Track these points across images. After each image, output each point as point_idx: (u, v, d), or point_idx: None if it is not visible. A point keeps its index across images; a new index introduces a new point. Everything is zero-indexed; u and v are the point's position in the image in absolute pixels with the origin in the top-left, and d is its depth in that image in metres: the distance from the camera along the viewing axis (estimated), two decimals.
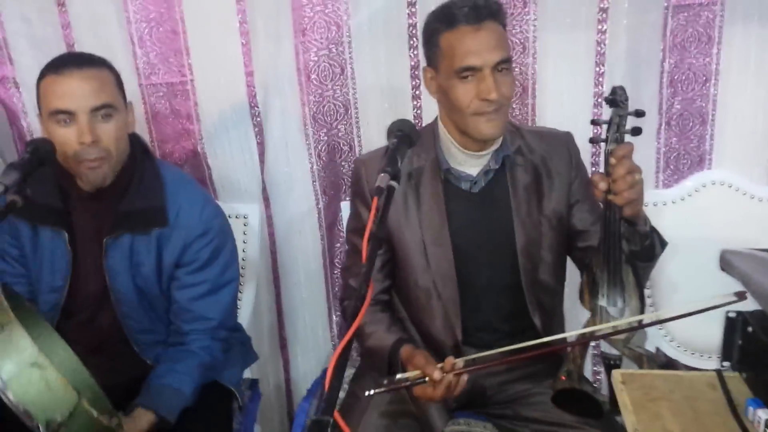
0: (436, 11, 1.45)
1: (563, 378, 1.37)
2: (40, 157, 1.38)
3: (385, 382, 1.36)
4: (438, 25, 1.43)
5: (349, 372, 1.79)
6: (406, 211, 1.56)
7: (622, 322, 1.30)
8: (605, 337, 1.33)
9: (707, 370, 1.20)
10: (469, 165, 1.53)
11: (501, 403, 1.61)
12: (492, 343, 1.58)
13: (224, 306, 1.69)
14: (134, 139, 1.64)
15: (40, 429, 1.20)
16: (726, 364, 1.12)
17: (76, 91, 1.47)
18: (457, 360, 1.35)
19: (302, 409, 1.78)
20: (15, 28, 1.87)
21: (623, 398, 1.09)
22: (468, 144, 1.50)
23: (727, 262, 1.25)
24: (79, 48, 1.84)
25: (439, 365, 1.34)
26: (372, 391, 1.32)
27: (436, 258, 1.56)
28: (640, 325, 1.29)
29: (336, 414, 0.88)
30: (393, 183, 1.20)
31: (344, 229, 1.91)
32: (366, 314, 1.54)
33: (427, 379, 1.32)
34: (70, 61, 1.51)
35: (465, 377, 1.36)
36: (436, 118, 1.54)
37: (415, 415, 1.53)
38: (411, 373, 1.37)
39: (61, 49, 1.85)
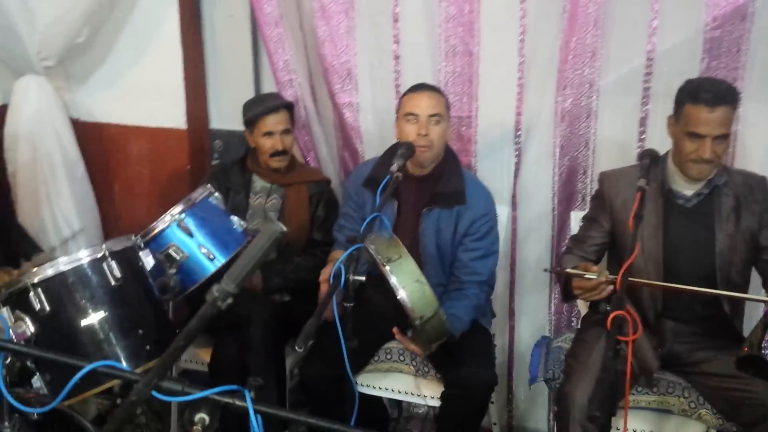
0: (691, 85, 2.06)
1: (746, 348, 1.89)
2: (410, 152, 2.23)
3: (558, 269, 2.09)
4: (686, 96, 2.04)
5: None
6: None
7: None
8: None
9: None
10: (686, 188, 2.17)
11: (690, 364, 2.19)
12: (687, 320, 2.22)
13: (490, 268, 2.44)
14: (448, 147, 2.47)
15: (417, 321, 1.95)
16: None
17: (422, 103, 2.34)
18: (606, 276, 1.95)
19: (535, 352, 2.47)
20: (363, 70, 2.78)
21: None
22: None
23: None
24: (403, 85, 2.70)
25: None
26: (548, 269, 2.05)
27: (650, 248, 2.17)
28: None
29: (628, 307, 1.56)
30: (646, 186, 1.90)
31: (570, 233, 2.60)
32: (571, 262, 2.20)
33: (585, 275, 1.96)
34: (422, 86, 2.40)
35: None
36: (667, 152, 2.21)
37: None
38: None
39: (391, 87, 2.75)
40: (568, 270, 2.02)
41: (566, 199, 2.69)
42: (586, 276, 1.95)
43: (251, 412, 1.08)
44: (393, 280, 1.95)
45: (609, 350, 1.48)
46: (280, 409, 1.13)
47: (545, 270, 2.07)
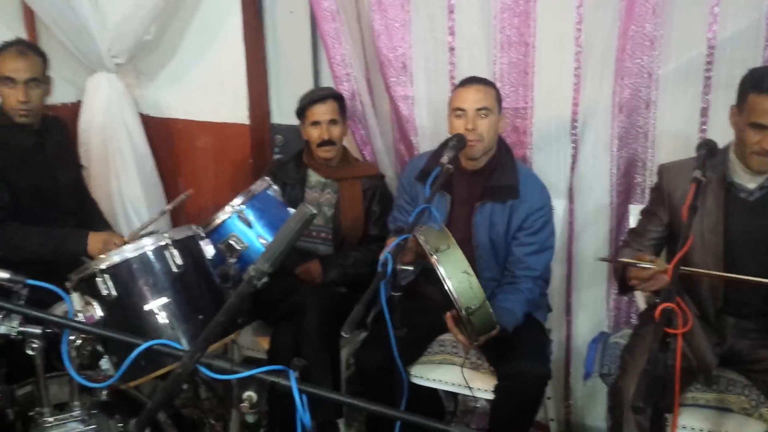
0: (754, 74, 1.99)
1: None
2: (461, 144, 2.24)
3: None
4: (750, 85, 1.98)
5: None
6: None
7: None
8: None
9: None
10: (749, 181, 2.09)
11: (752, 361, 2.13)
12: (748, 316, 2.15)
13: (545, 263, 2.42)
14: (501, 140, 2.46)
15: (462, 311, 1.96)
16: None
17: (469, 97, 2.34)
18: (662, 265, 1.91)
19: (591, 348, 2.43)
20: (418, 62, 2.80)
21: None
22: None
23: None
24: (458, 77, 2.70)
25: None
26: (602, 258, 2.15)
27: (710, 242, 2.12)
28: None
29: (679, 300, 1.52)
30: (702, 177, 1.85)
31: (629, 227, 2.54)
32: (628, 256, 2.15)
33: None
34: (470, 80, 2.40)
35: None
36: (728, 144, 2.14)
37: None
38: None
39: (446, 80, 2.76)
40: (622, 259, 1.99)
41: (624, 191, 2.64)
42: (640, 265, 1.92)
43: (295, 391, 1.13)
44: (440, 270, 1.96)
45: (656, 342, 1.46)
46: (323, 390, 1.17)
47: (598, 259, 2.03)
